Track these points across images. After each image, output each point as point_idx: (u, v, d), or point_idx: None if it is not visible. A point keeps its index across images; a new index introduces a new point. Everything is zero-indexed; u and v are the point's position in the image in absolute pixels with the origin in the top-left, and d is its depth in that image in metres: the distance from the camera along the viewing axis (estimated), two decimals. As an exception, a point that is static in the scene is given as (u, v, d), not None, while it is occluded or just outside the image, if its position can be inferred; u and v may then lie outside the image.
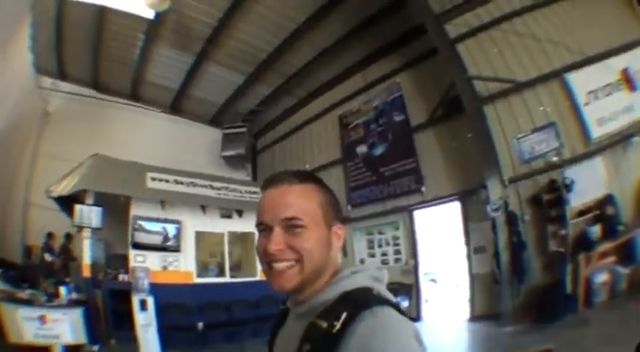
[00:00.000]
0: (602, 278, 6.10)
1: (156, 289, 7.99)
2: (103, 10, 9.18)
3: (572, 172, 6.77)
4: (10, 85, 9.27)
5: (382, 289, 0.92)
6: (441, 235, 10.53)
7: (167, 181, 9.34)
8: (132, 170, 9.05)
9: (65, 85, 12.11)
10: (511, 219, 7.08)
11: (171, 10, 8.46)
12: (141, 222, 8.63)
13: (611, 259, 6.13)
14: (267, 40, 10.29)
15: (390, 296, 0.91)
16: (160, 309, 7.73)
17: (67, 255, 9.73)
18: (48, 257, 9.55)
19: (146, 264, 8.35)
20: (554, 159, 7.02)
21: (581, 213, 6.66)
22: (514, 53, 7.61)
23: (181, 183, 9.53)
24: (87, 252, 8.06)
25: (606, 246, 6.20)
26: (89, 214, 8.03)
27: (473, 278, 8.22)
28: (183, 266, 9.02)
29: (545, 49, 7.30)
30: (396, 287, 8.83)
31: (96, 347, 6.94)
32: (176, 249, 8.97)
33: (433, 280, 11.42)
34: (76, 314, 6.89)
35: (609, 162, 6.67)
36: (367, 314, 0.80)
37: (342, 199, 10.48)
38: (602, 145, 6.73)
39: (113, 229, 8.75)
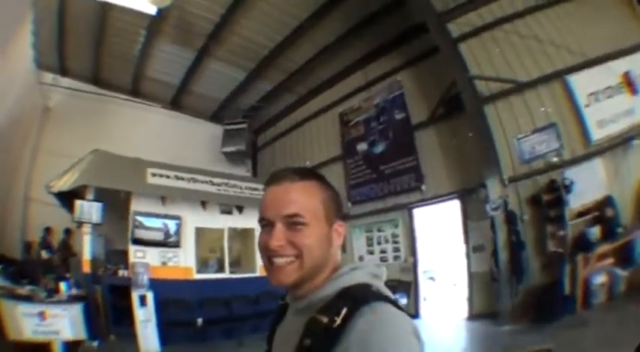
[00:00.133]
0: (600, 279, 6.09)
1: (155, 285, 8.03)
2: (105, 6, 9.15)
3: (572, 173, 6.77)
4: (11, 80, 9.29)
5: (380, 285, 0.94)
6: (440, 233, 10.55)
7: (167, 177, 9.34)
8: (132, 166, 9.05)
9: (66, 81, 12.14)
10: (510, 219, 7.09)
11: (174, 6, 8.44)
12: (141, 219, 8.64)
13: (609, 261, 6.13)
14: (268, 36, 10.27)
15: (388, 292, 0.92)
16: (159, 305, 7.77)
17: (67, 251, 9.76)
18: (45, 254, 9.57)
19: (146, 260, 8.37)
20: (555, 159, 7.02)
21: (581, 214, 6.66)
22: (516, 54, 7.60)
23: (182, 178, 9.54)
24: (87, 248, 8.06)
25: (605, 247, 6.20)
26: (89, 210, 8.04)
27: (471, 276, 8.24)
28: (183, 262, 9.04)
29: (547, 50, 7.29)
30: (394, 285, 8.85)
31: (95, 343, 6.95)
32: (176, 245, 8.98)
33: (432, 278, 11.45)
34: (76, 310, 6.88)
35: (609, 164, 6.67)
36: (366, 310, 0.81)
37: (342, 196, 10.39)
38: (602, 147, 6.73)
39: (113, 225, 8.76)
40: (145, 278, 8.01)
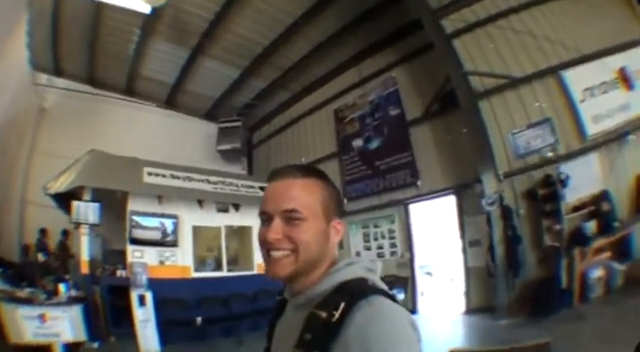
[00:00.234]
0: (597, 273, 6.13)
1: (154, 284, 8.03)
2: (99, 6, 9.13)
3: (567, 168, 6.80)
4: (6, 82, 9.24)
5: (376, 279, 0.96)
6: (436, 228, 10.56)
7: (164, 176, 9.31)
8: (128, 165, 9.02)
9: (61, 81, 12.10)
10: (506, 213, 7.11)
11: (168, 4, 8.41)
12: (138, 218, 8.62)
13: (606, 255, 6.17)
14: (263, 33, 10.27)
15: (383, 285, 0.95)
16: (158, 304, 7.77)
17: (65, 252, 9.72)
18: (41, 257, 9.54)
19: (143, 259, 8.36)
20: (550, 154, 7.05)
21: (576, 208, 6.69)
22: (510, 49, 7.61)
23: (178, 177, 9.51)
24: (85, 249, 8.06)
25: (601, 241, 6.24)
26: (86, 210, 8.03)
27: (468, 271, 8.30)
28: (181, 261, 9.02)
29: (542, 46, 7.31)
30: (391, 280, 8.90)
31: (96, 344, 6.97)
32: (173, 244, 8.97)
33: (429, 273, 11.47)
34: (76, 312, 6.89)
35: (605, 158, 6.71)
36: (363, 304, 0.83)
37: (339, 194, 10.47)
38: (597, 142, 6.77)
39: (110, 225, 8.74)
40: (143, 278, 8.00)
